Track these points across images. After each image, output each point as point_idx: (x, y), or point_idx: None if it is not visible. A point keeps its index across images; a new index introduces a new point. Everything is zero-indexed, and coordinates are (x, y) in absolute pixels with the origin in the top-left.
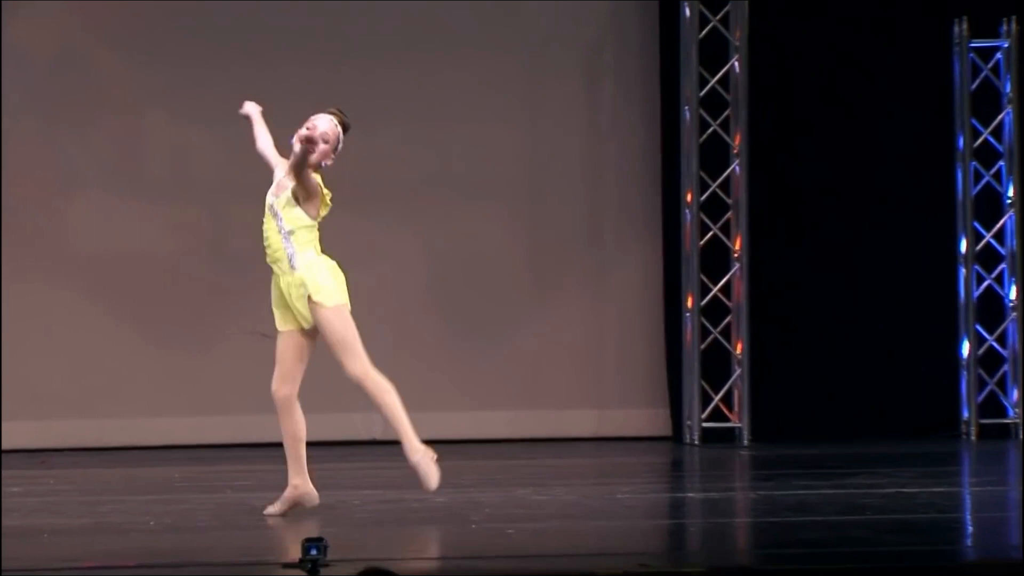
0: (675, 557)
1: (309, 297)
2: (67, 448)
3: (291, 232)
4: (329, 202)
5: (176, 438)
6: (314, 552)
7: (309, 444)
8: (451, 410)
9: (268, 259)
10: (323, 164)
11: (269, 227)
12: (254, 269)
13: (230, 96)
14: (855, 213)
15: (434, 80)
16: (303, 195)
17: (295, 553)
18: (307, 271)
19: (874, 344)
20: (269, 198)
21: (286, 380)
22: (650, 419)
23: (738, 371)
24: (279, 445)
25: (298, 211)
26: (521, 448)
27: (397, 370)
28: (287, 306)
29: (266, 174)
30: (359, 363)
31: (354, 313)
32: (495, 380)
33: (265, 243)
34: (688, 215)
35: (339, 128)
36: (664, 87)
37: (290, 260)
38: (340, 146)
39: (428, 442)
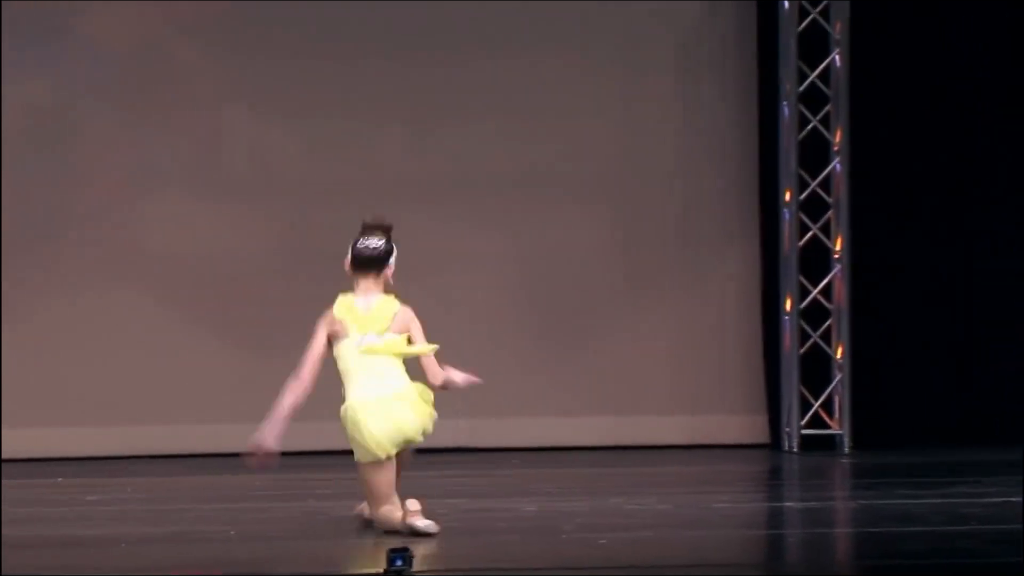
0: (773, 569)
1: None
2: (145, 455)
3: None
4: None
5: None
6: (399, 563)
7: None
8: (542, 416)
9: None
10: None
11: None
12: (337, 270)
13: (312, 90)
14: (961, 211)
15: (527, 76)
16: None
17: (379, 563)
18: None
19: (981, 348)
20: None
21: None
22: (747, 426)
23: (839, 376)
24: None
25: None
26: (614, 456)
27: (487, 375)
28: None
29: (350, 172)
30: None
31: (444, 316)
32: (587, 385)
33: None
34: (787, 214)
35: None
36: (762, 82)
37: None
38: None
39: (517, 450)
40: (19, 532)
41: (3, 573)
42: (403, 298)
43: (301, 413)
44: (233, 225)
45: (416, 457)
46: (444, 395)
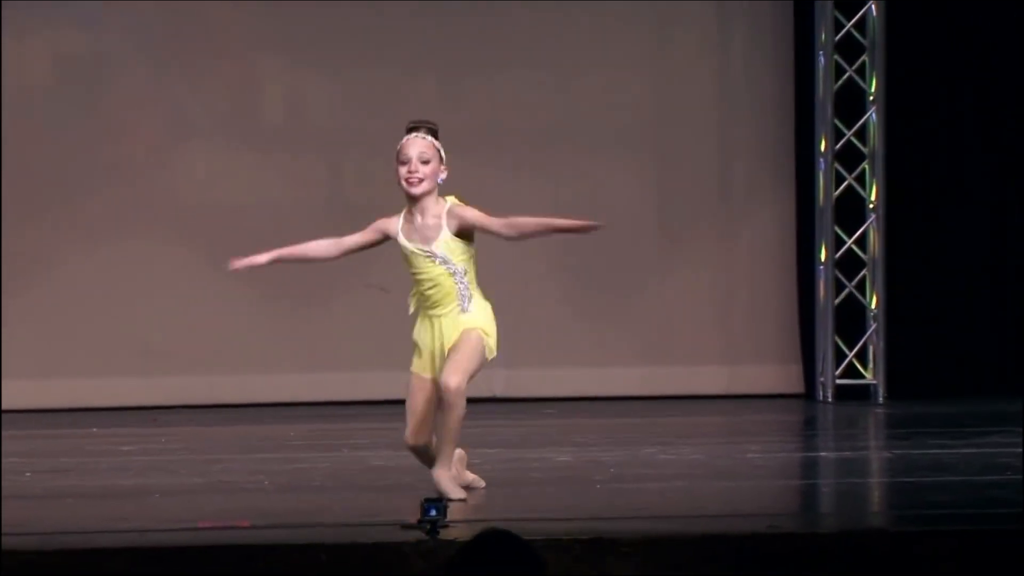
0: (806, 518)
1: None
2: (180, 405)
3: (466, 272)
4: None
5: (291, 395)
6: (433, 513)
7: None
8: (577, 367)
9: (428, 303)
10: (439, 181)
11: (432, 271)
12: (373, 221)
13: (347, 40)
14: (997, 161)
15: (561, 26)
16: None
17: (414, 514)
18: (480, 313)
19: (1016, 298)
20: (414, 245)
21: (422, 431)
22: (782, 376)
23: (873, 326)
24: (397, 402)
25: (462, 243)
26: (649, 406)
27: (522, 326)
28: (433, 351)
29: (384, 122)
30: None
31: (478, 267)
32: (622, 336)
33: (429, 288)
34: (822, 164)
35: (430, 138)
36: (798, 32)
37: (461, 303)
38: (443, 152)
39: (553, 400)
40: (55, 482)
41: (32, 523)
42: None
43: (336, 363)
44: (268, 176)
45: None
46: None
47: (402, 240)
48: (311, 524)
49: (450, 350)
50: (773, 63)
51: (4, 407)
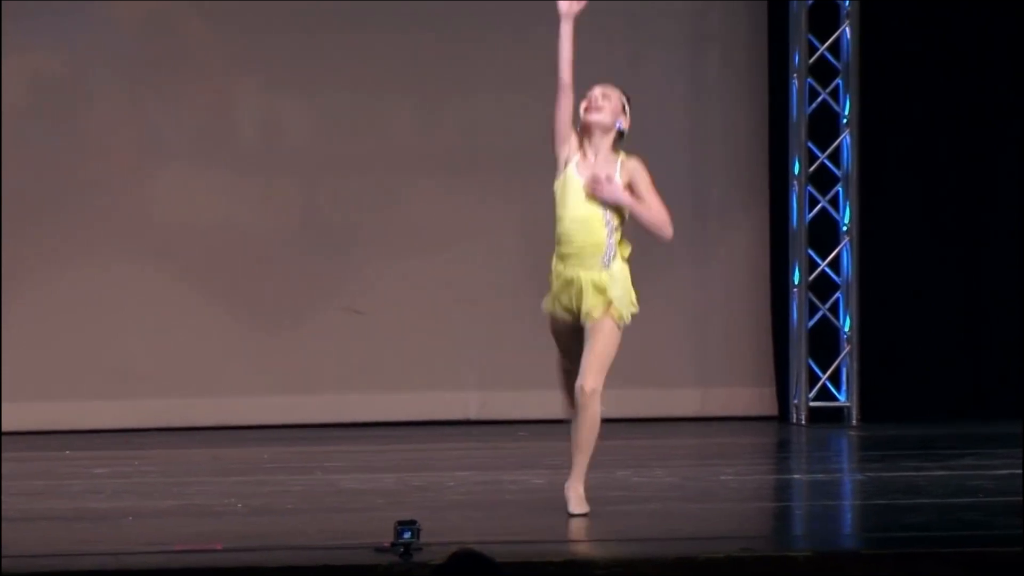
0: (780, 541)
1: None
2: (153, 428)
3: (616, 228)
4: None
5: (265, 418)
6: (407, 535)
7: (402, 424)
8: (551, 389)
9: (568, 250)
10: (618, 126)
11: (584, 210)
12: (347, 243)
13: (323, 64)
14: (971, 185)
15: (537, 50)
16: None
17: (388, 536)
18: (621, 278)
19: (989, 321)
20: (583, 179)
21: (568, 355)
22: (755, 398)
23: (846, 348)
24: (370, 425)
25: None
26: (622, 428)
27: (496, 348)
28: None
29: (360, 145)
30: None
31: (452, 289)
32: None
33: (573, 228)
34: (796, 187)
35: (618, 91)
36: (771, 55)
37: (604, 258)
38: (628, 106)
39: (528, 422)
40: (27, 505)
41: (7, 546)
42: None
43: (309, 386)
44: (243, 198)
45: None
46: (453, 367)
47: (571, 169)
48: (285, 547)
49: (588, 339)
50: (747, 86)
51: None
